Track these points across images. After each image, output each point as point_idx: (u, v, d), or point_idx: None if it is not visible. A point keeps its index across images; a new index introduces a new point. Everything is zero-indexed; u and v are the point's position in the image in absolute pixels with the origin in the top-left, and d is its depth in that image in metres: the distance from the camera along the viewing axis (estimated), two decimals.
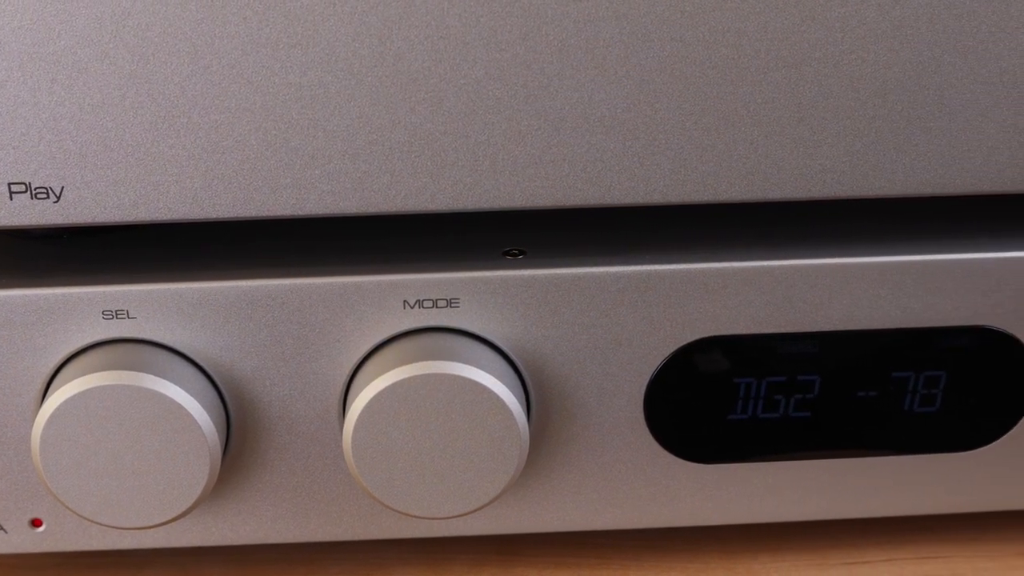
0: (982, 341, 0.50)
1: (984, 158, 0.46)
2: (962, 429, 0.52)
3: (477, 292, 0.47)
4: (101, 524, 0.48)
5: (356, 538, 0.52)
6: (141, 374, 0.45)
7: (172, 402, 0.45)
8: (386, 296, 0.47)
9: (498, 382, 0.46)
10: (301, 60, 0.42)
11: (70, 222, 0.44)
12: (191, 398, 0.46)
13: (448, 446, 0.47)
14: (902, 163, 0.46)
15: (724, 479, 0.52)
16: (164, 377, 0.46)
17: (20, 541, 0.51)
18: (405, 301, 0.47)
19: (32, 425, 0.47)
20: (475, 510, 0.49)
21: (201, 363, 0.48)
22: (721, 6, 0.43)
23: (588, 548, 0.56)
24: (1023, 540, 0.57)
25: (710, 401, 0.50)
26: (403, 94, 0.43)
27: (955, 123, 0.45)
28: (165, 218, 0.44)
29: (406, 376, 0.46)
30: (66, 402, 0.45)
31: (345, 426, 0.47)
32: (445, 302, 0.47)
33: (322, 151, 0.44)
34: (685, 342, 0.49)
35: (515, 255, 0.48)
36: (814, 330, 0.49)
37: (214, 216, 0.44)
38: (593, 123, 0.44)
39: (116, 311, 0.46)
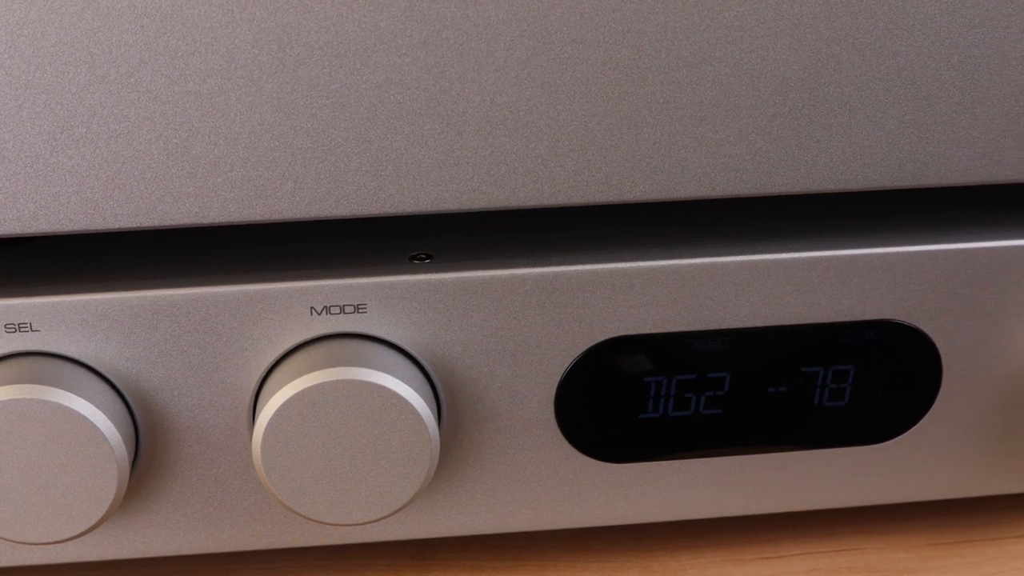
0: (888, 335, 0.51)
1: (884, 154, 0.46)
2: (872, 422, 0.53)
3: (385, 297, 0.47)
4: (8, 540, 0.47)
5: (270, 547, 0.52)
6: (46, 387, 0.45)
7: (78, 415, 0.45)
8: (293, 303, 0.47)
9: (407, 387, 0.46)
10: (200, 68, 0.42)
11: None
12: (97, 411, 0.45)
13: (359, 452, 0.47)
14: (803, 160, 0.46)
15: (638, 478, 0.52)
16: (70, 390, 0.45)
17: None
18: (312, 308, 0.47)
19: None
20: (388, 515, 0.48)
21: (107, 375, 0.47)
22: (620, 7, 0.43)
23: (504, 550, 0.56)
24: (935, 530, 0.58)
25: (621, 401, 0.50)
26: (304, 100, 0.43)
27: (855, 119, 0.46)
28: (66, 229, 0.44)
29: (314, 383, 0.45)
30: None
31: (254, 434, 0.46)
32: (353, 308, 0.47)
33: (224, 159, 0.43)
34: (594, 342, 0.49)
35: (422, 259, 0.48)
36: (722, 327, 0.49)
37: (116, 227, 0.44)
38: (495, 126, 0.44)
39: (19, 324, 0.46)
